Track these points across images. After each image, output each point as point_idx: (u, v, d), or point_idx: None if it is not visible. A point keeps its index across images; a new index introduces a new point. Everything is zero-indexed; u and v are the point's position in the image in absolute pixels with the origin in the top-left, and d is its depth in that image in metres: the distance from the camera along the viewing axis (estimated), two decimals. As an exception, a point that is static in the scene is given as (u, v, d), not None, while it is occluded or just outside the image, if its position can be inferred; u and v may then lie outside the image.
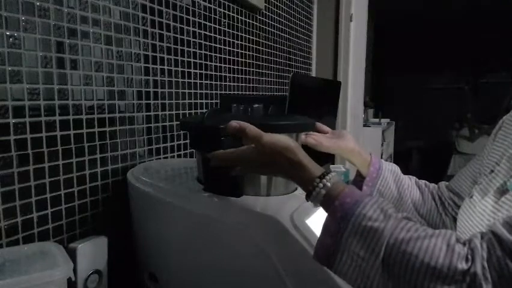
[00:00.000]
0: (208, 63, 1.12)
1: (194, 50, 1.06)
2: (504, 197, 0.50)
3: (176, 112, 1.01)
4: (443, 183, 0.80)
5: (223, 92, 1.20)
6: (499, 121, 0.65)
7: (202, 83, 1.10)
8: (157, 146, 0.96)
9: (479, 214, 0.55)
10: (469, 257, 0.40)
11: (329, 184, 0.48)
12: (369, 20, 2.46)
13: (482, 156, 0.67)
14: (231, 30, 1.22)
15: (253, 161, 0.53)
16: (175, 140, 1.02)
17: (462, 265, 0.39)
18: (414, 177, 0.83)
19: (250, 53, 1.35)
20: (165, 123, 0.97)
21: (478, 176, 0.66)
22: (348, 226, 0.44)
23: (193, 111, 1.07)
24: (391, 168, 0.80)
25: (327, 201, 0.47)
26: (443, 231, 0.43)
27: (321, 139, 0.76)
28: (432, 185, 0.81)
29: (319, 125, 0.80)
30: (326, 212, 0.48)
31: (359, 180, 0.82)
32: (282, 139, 0.51)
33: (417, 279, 0.39)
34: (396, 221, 0.43)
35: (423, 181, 0.83)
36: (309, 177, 0.49)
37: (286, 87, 1.47)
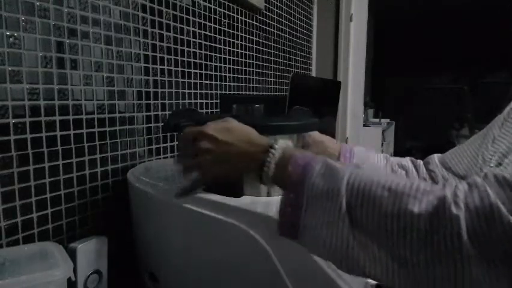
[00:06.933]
0: (208, 63, 1.12)
1: (194, 50, 1.06)
2: None
3: (176, 112, 1.01)
4: (435, 156, 0.75)
5: (223, 92, 1.20)
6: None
7: (202, 83, 1.10)
8: (157, 146, 0.96)
9: None
10: (439, 186, 0.38)
11: (277, 154, 0.47)
12: (369, 20, 2.46)
13: (487, 139, 0.64)
14: (231, 30, 1.22)
15: (210, 150, 0.51)
16: (175, 140, 1.02)
17: (424, 185, 0.37)
18: (396, 158, 0.78)
19: (250, 53, 1.35)
20: (165, 123, 0.97)
21: (481, 161, 0.64)
22: (310, 172, 0.43)
23: (193, 111, 1.07)
24: (362, 156, 0.77)
25: (281, 169, 0.46)
26: None
27: None
28: (418, 162, 0.76)
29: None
30: (283, 178, 0.46)
31: None
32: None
33: (381, 204, 0.38)
34: (352, 164, 0.45)
35: (408, 158, 0.77)
36: (258, 149, 0.49)
37: (286, 87, 1.47)
